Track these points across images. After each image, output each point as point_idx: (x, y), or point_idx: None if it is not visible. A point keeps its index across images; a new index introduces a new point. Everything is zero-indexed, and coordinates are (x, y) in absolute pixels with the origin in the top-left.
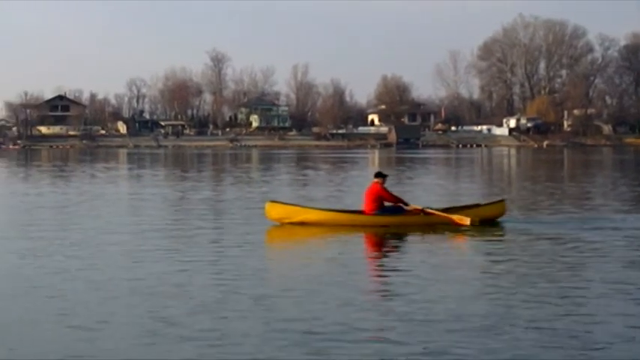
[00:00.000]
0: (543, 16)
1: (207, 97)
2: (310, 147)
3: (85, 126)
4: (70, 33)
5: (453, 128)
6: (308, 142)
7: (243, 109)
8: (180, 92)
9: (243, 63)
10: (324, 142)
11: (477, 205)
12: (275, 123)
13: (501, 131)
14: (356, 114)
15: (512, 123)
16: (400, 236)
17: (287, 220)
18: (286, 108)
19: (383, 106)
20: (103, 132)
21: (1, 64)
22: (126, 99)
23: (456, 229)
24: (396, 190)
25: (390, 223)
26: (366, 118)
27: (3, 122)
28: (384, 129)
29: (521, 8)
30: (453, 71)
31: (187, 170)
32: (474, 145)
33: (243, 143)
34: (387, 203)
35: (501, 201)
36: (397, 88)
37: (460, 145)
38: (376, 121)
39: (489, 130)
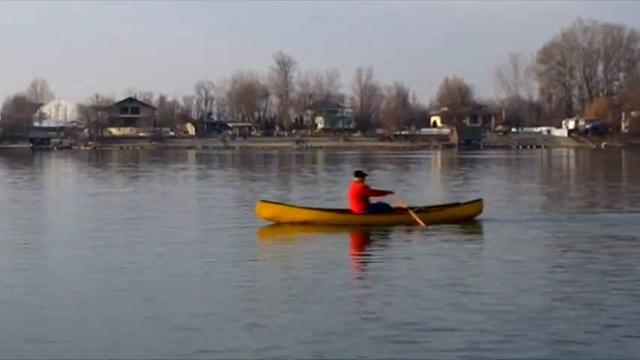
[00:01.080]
0: (601, 21)
1: (274, 100)
2: (374, 148)
3: (154, 127)
4: (140, 36)
5: (514, 130)
6: (372, 144)
7: (308, 111)
8: (247, 95)
9: (308, 66)
10: (387, 143)
11: (456, 205)
12: (340, 125)
13: (560, 132)
14: (419, 116)
15: (571, 124)
16: (386, 235)
17: (278, 220)
18: (351, 110)
19: (445, 108)
20: (172, 133)
21: (73, 66)
22: (194, 101)
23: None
24: (460, 189)
25: (378, 222)
26: (429, 119)
27: (75, 124)
28: (446, 130)
29: (579, 12)
30: (514, 74)
31: (255, 170)
32: (534, 146)
33: (308, 144)
34: (372, 200)
35: (478, 200)
36: (459, 90)
37: (520, 146)
38: (438, 123)
39: (549, 131)
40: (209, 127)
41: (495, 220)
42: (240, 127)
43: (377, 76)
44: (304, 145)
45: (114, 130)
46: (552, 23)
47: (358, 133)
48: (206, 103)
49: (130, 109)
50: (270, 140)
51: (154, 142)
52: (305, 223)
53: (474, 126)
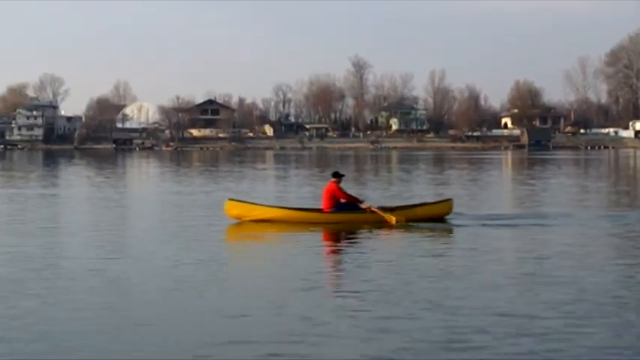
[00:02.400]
0: None
1: (350, 102)
2: (447, 148)
3: (233, 129)
4: (219, 39)
5: (582, 131)
6: (444, 144)
7: (383, 113)
8: (324, 97)
9: (383, 69)
10: (459, 144)
11: (425, 204)
12: (413, 126)
13: (628, 134)
14: (490, 117)
15: (638, 126)
16: (351, 232)
17: (246, 218)
18: (424, 111)
19: (515, 110)
20: (251, 134)
21: (155, 69)
22: (273, 103)
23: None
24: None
25: (344, 220)
26: (500, 121)
27: (156, 125)
28: (516, 131)
29: None
30: (582, 77)
31: (329, 170)
32: (602, 147)
33: (383, 145)
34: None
35: (448, 200)
36: (529, 92)
37: (588, 147)
38: (509, 124)
39: (616, 132)
40: (287, 128)
41: (570, 216)
42: (317, 129)
43: (449, 78)
44: (379, 146)
45: (194, 132)
46: (620, 27)
47: (431, 134)
48: (284, 105)
49: (210, 111)
50: (345, 141)
51: (233, 143)
52: (273, 221)
53: (543, 127)
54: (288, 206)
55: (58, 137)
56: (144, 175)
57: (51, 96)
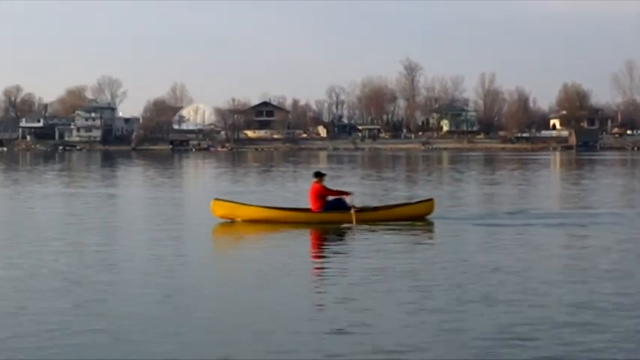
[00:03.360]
0: None
1: (401, 103)
2: (496, 149)
3: (288, 130)
4: (274, 42)
5: (629, 132)
6: (494, 145)
7: (434, 114)
8: (376, 99)
9: (434, 71)
10: (509, 145)
11: (406, 204)
12: (464, 127)
13: None
14: (539, 119)
15: None
16: (337, 232)
17: (232, 217)
18: (474, 113)
19: (564, 112)
20: (305, 135)
21: (211, 71)
22: (326, 105)
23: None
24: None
25: (332, 219)
26: (548, 122)
27: (212, 126)
28: (564, 133)
29: None
30: (629, 79)
31: (384, 170)
32: None
33: (434, 146)
34: (330, 199)
35: (429, 200)
36: (577, 94)
37: (635, 148)
38: (557, 126)
39: None
40: (340, 129)
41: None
42: (370, 130)
43: (499, 80)
44: (430, 147)
45: (249, 133)
46: None
47: (481, 135)
48: (337, 107)
49: (264, 113)
50: (397, 142)
51: (287, 144)
52: (261, 221)
53: (591, 128)
54: (275, 206)
55: (115, 138)
56: (201, 175)
57: (109, 98)
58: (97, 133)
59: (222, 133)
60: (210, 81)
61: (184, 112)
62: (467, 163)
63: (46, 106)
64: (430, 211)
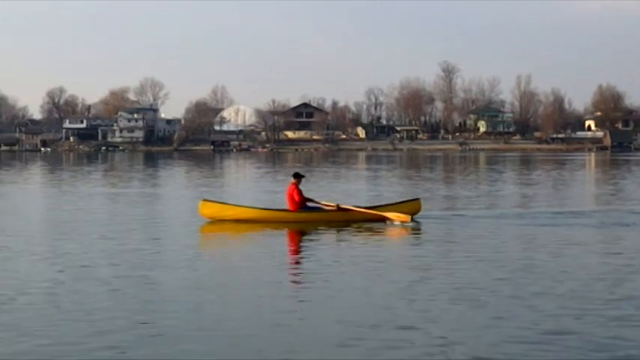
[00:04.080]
0: None
1: (439, 105)
2: (532, 150)
3: (327, 131)
4: (314, 45)
5: None
6: (530, 146)
7: (471, 116)
8: (414, 100)
9: (471, 73)
10: (544, 146)
11: (392, 204)
12: (500, 128)
13: None
14: (574, 120)
15: None
16: (318, 231)
17: (218, 217)
18: (510, 114)
19: (599, 113)
20: (344, 136)
21: (251, 74)
22: (365, 106)
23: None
24: (618, 187)
25: (312, 219)
26: (583, 123)
27: (253, 127)
28: (599, 134)
29: None
30: None
31: (422, 171)
32: None
33: (471, 147)
34: (309, 204)
35: (416, 200)
36: (612, 96)
37: None
38: (592, 127)
39: None
40: (378, 130)
41: None
42: (408, 131)
43: (535, 82)
44: (467, 148)
45: (289, 134)
46: None
47: (517, 136)
48: (376, 108)
49: (304, 114)
50: (435, 143)
51: (326, 145)
52: (245, 221)
53: (625, 130)
54: (259, 206)
55: (157, 139)
56: (243, 176)
57: (151, 99)
58: (139, 134)
59: (263, 134)
60: (251, 83)
61: (225, 114)
62: (503, 163)
63: (89, 108)
64: (417, 211)
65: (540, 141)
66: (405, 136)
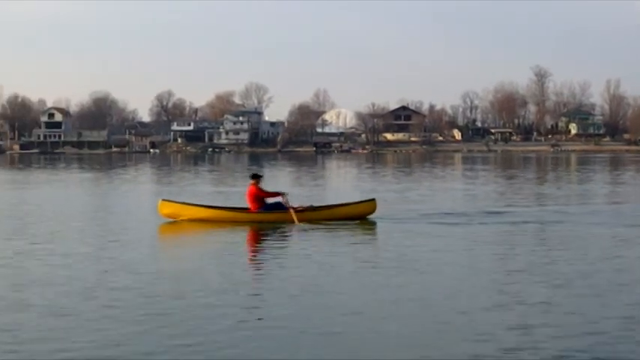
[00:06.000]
0: None
1: (532, 108)
2: (621, 151)
3: (424, 133)
4: (411, 50)
5: None
6: (620, 147)
7: (562, 118)
8: (508, 103)
9: (563, 77)
10: (633, 147)
11: (347, 204)
12: (590, 130)
13: None
14: None
15: None
16: (276, 231)
17: (177, 217)
18: (600, 117)
19: None
20: (441, 138)
21: (351, 77)
22: (460, 109)
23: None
24: None
25: (270, 219)
26: None
27: (353, 130)
28: None
29: None
30: None
31: (517, 171)
32: None
33: (562, 148)
34: (269, 200)
35: (372, 200)
36: None
37: None
38: None
39: None
40: (473, 132)
41: None
42: (502, 133)
43: (624, 86)
44: (559, 149)
45: (388, 135)
46: None
47: (607, 138)
48: (471, 111)
49: (402, 117)
50: (528, 144)
51: (424, 146)
52: (203, 220)
53: None
54: (217, 205)
55: (262, 141)
56: (345, 175)
57: (256, 103)
58: (244, 136)
59: (363, 135)
60: (352, 86)
61: (327, 116)
62: (594, 164)
63: (196, 111)
64: (372, 210)
65: (629, 142)
66: (499, 138)
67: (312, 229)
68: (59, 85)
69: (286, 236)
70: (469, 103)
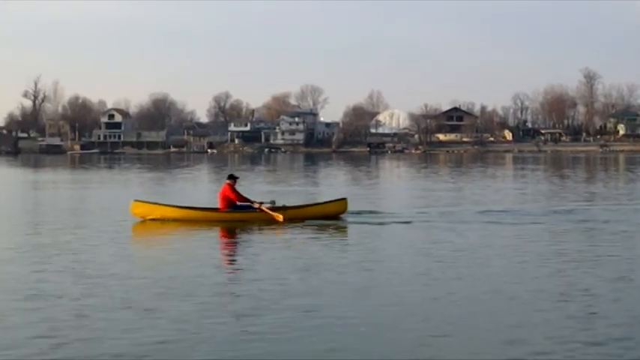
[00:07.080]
0: None
1: (581, 109)
2: None
3: (476, 133)
4: (463, 52)
5: None
6: None
7: (611, 119)
8: (557, 105)
9: (611, 79)
10: None
11: (319, 204)
12: (638, 131)
13: None
14: None
15: None
16: (245, 230)
17: (149, 217)
18: None
19: None
20: (492, 139)
21: (405, 80)
22: (511, 110)
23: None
24: None
25: (238, 218)
26: None
27: (406, 130)
28: None
29: None
30: None
31: (566, 170)
32: None
33: (611, 148)
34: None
35: (343, 199)
36: None
37: None
38: None
39: None
40: (524, 133)
41: None
42: (552, 133)
43: None
44: (607, 149)
45: (440, 136)
46: None
47: None
48: (521, 112)
49: (454, 118)
50: (577, 145)
51: (475, 147)
52: (174, 220)
53: None
54: (188, 206)
55: (317, 141)
56: (399, 175)
57: (311, 104)
58: (299, 137)
59: (416, 136)
60: (405, 88)
61: (381, 117)
62: None
63: (253, 112)
64: (343, 210)
65: None
66: (549, 139)
67: (290, 227)
68: (119, 87)
69: (254, 235)
70: (520, 104)
